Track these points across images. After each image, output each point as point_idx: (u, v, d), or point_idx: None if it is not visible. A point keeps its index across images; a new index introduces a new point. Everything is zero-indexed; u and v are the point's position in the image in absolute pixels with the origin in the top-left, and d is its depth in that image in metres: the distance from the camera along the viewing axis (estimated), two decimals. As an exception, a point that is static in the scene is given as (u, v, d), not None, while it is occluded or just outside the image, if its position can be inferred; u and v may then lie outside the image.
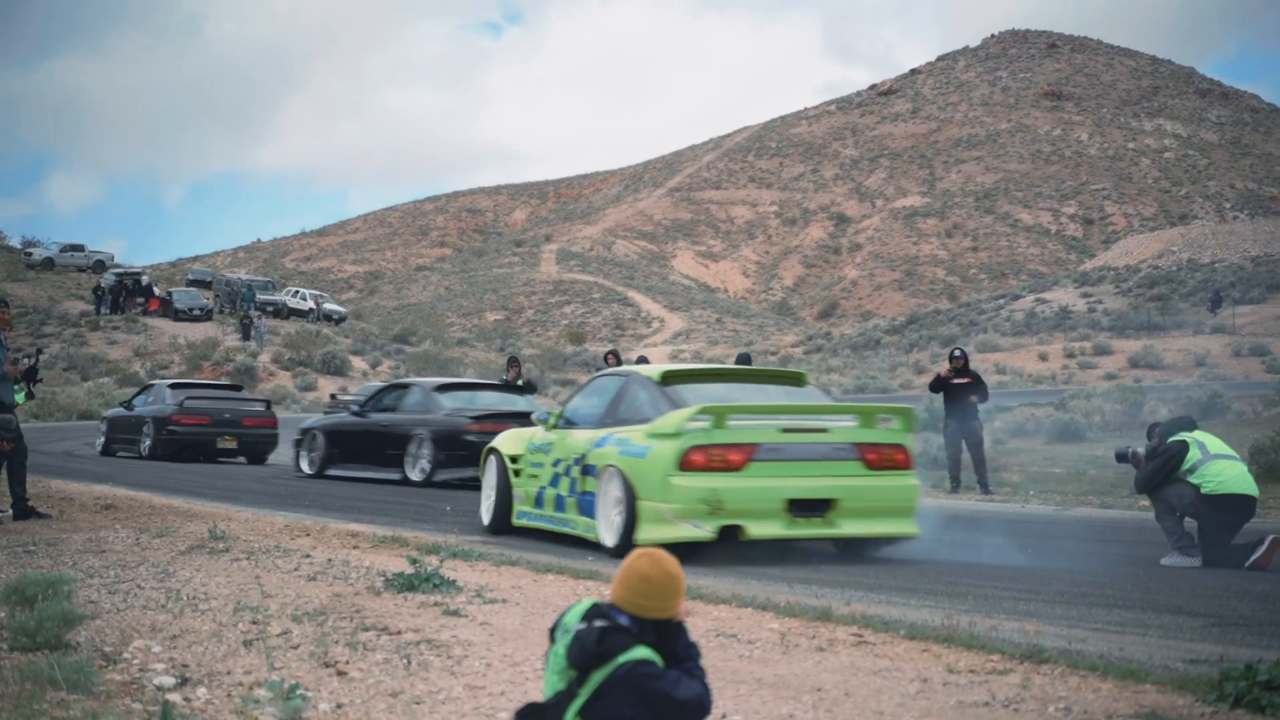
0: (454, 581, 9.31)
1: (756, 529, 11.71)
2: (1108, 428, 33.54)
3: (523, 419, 19.26)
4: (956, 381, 21.74)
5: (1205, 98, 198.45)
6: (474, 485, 18.60)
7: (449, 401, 22.21)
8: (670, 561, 4.64)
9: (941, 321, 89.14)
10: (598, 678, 4.48)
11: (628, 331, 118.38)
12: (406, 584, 9.20)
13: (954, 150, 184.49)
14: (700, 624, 8.21)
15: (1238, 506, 12.16)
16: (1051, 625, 8.39)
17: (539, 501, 13.93)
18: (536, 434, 14.34)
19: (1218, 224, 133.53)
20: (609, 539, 12.30)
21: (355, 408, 24.55)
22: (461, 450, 20.88)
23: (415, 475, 21.50)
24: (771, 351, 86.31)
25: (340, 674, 6.79)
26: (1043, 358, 65.50)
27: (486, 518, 14.68)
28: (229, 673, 6.78)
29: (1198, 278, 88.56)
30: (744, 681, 6.77)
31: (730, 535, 11.70)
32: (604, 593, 9.29)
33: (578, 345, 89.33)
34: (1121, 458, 13.21)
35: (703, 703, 4.51)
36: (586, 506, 12.86)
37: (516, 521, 14.30)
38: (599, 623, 4.55)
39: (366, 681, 6.65)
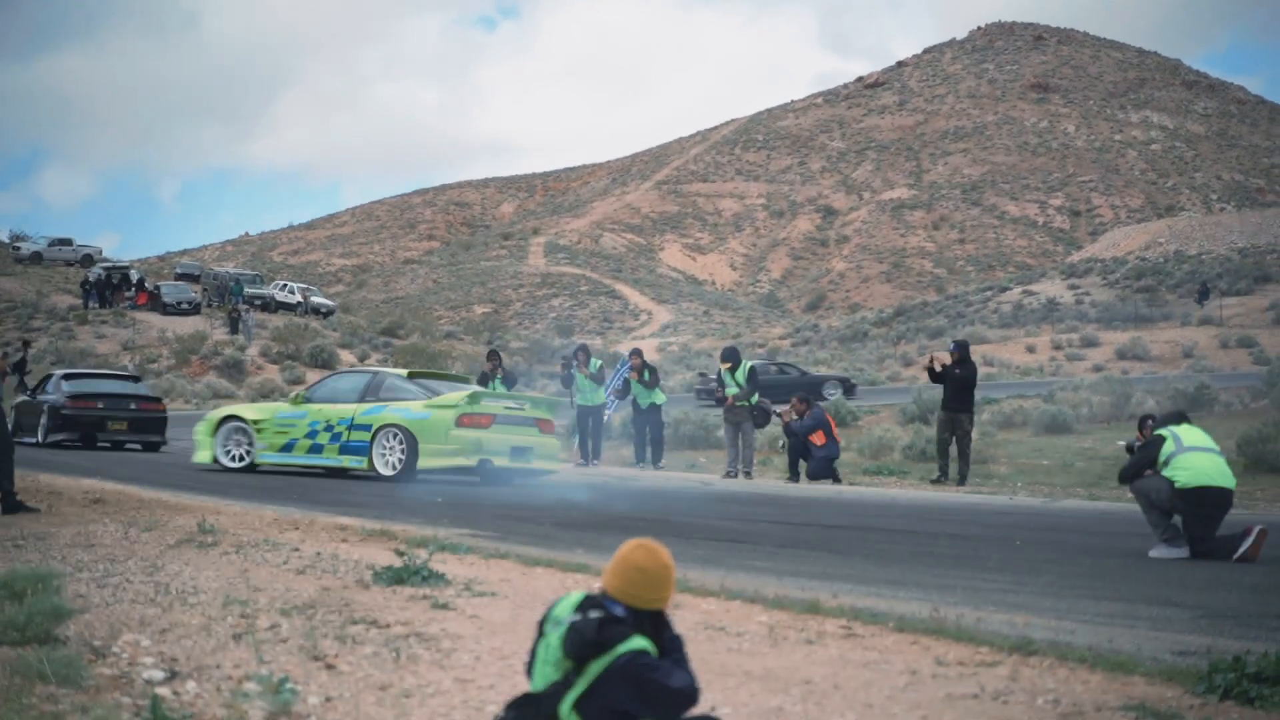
0: (443, 574, 9.29)
1: (498, 461, 19.78)
2: (1095, 420, 33.63)
3: (121, 400, 28.12)
4: (956, 371, 21.89)
5: (1192, 90, 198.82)
6: (70, 445, 27.45)
7: (67, 386, 28.33)
8: (664, 552, 4.68)
9: (929, 314, 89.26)
10: (596, 668, 4.49)
11: (615, 324, 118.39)
12: (395, 577, 9.19)
13: (941, 143, 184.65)
14: (689, 616, 8.21)
15: (1211, 499, 12.17)
16: (1040, 617, 8.39)
17: (288, 449, 21.09)
18: (282, 406, 21.87)
19: (1205, 216, 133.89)
20: (387, 471, 20.08)
21: (27, 391, 30.68)
22: (60, 420, 27.58)
23: (40, 439, 27.62)
24: (760, 344, 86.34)
25: (329, 667, 6.79)
26: (1030, 350, 65.60)
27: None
28: (218, 666, 6.77)
29: (1185, 269, 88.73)
30: (733, 674, 6.77)
31: (485, 464, 19.74)
32: (594, 585, 9.30)
33: (566, 338, 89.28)
34: (1130, 449, 13.64)
35: (693, 692, 4.54)
36: (355, 449, 20.48)
37: (259, 462, 21.38)
38: (594, 614, 4.56)
39: (356, 675, 6.65)
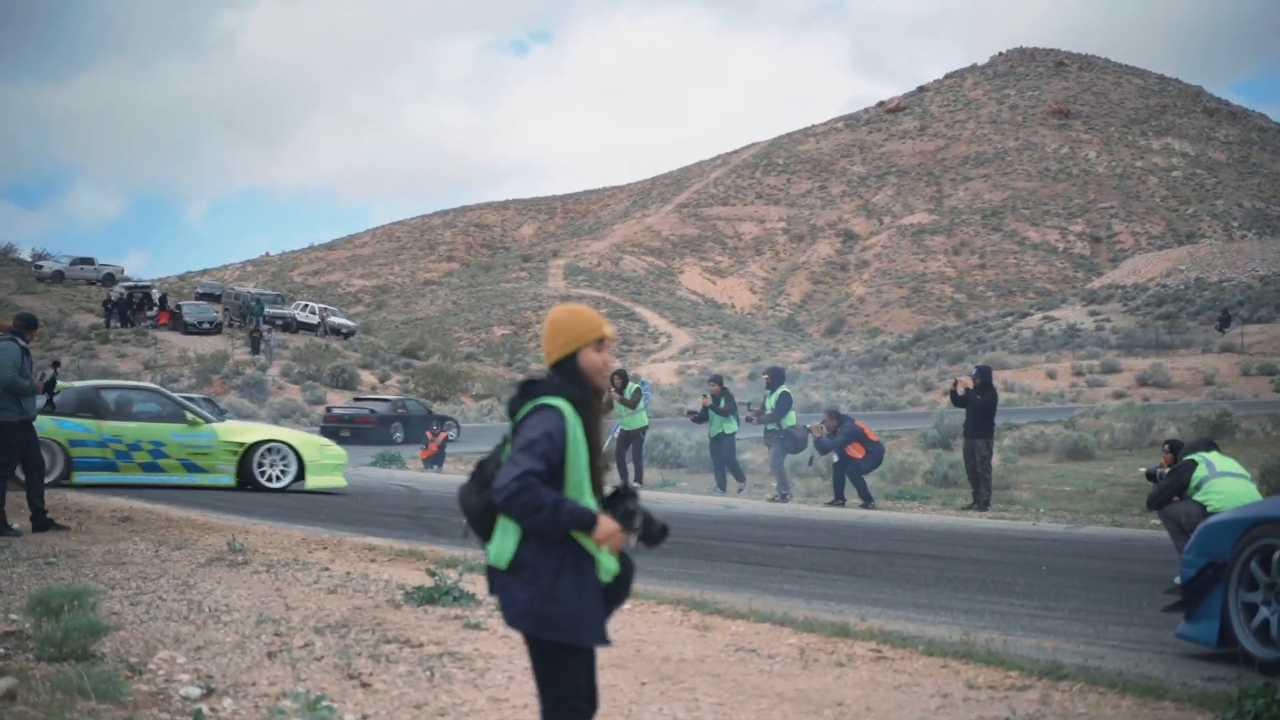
0: (473, 595, 9.36)
1: None
2: (1117, 446, 33.54)
3: None
4: (977, 397, 21.90)
5: (1213, 117, 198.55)
6: None
7: None
8: (557, 310, 4.89)
9: (949, 339, 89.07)
10: (520, 416, 4.63)
11: (635, 347, 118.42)
12: (426, 597, 9.26)
13: (961, 168, 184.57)
14: (719, 639, 8.27)
15: None
16: (1069, 642, 8.43)
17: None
18: None
19: (1226, 243, 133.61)
20: None
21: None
22: None
23: None
24: (779, 368, 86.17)
25: (364, 686, 6.85)
26: (1051, 375, 65.38)
27: None
28: (254, 684, 6.84)
29: (1206, 296, 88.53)
30: (765, 695, 6.82)
31: None
32: (622, 607, 9.35)
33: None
34: (1151, 476, 13.61)
35: (500, 488, 4.47)
36: None
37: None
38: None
39: (391, 693, 6.71)
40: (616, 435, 26.27)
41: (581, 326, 4.74)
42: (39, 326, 14.83)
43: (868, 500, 22.26)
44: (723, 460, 24.93)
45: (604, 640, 4.58)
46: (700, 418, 25.29)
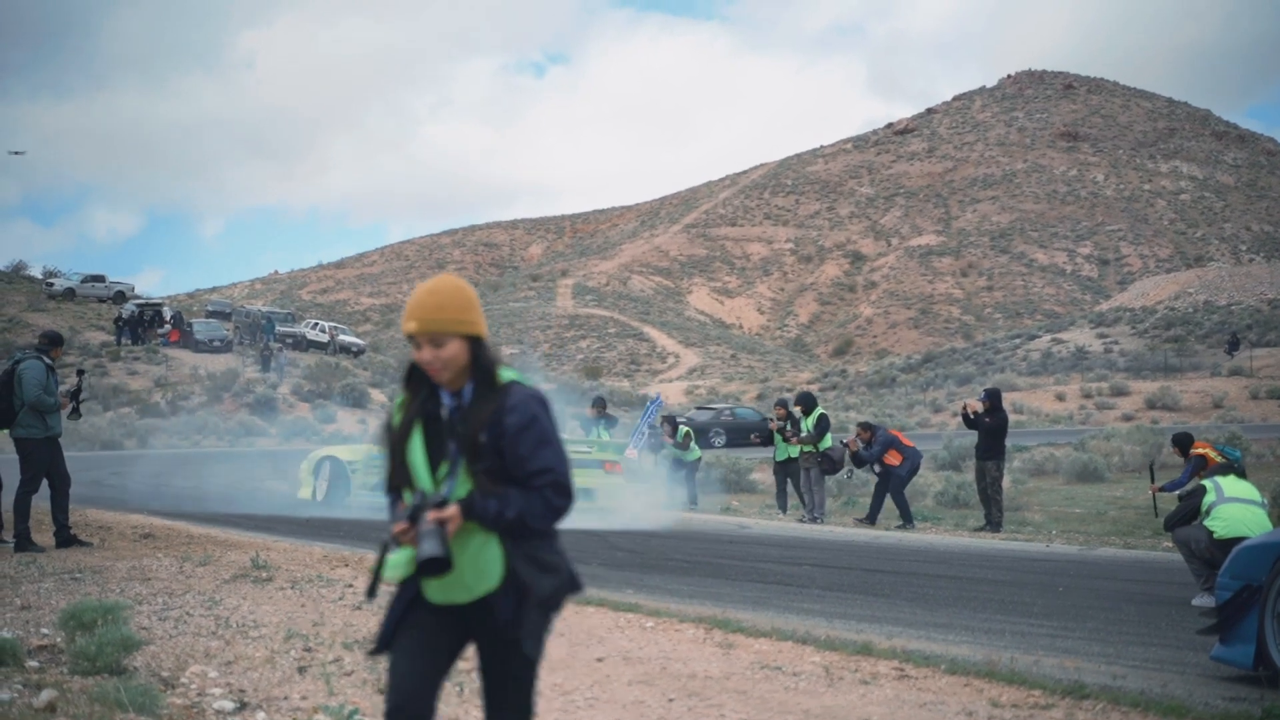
0: (498, 612, 9.41)
1: None
2: (1127, 468, 33.57)
3: None
4: (987, 420, 21.97)
5: (1221, 140, 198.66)
6: None
7: None
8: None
9: (957, 360, 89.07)
10: None
11: (643, 367, 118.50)
12: (452, 614, 9.32)
13: (970, 189, 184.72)
14: (743, 656, 8.34)
15: None
16: (1090, 662, 8.49)
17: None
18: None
19: (1234, 266, 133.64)
20: None
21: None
22: None
23: None
24: (787, 388, 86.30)
25: (396, 700, 6.92)
26: (1060, 398, 65.36)
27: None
28: (286, 698, 6.92)
29: (1214, 320, 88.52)
30: (791, 712, 6.88)
31: None
32: (645, 624, 9.43)
33: (593, 380, 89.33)
34: (1180, 498, 13.81)
35: None
36: None
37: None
38: None
39: (422, 708, 6.78)
40: (631, 453, 26.55)
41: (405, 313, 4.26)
42: (64, 344, 14.97)
43: (908, 520, 22.28)
44: (785, 482, 25.13)
45: (377, 650, 4.35)
46: (767, 440, 25.70)
